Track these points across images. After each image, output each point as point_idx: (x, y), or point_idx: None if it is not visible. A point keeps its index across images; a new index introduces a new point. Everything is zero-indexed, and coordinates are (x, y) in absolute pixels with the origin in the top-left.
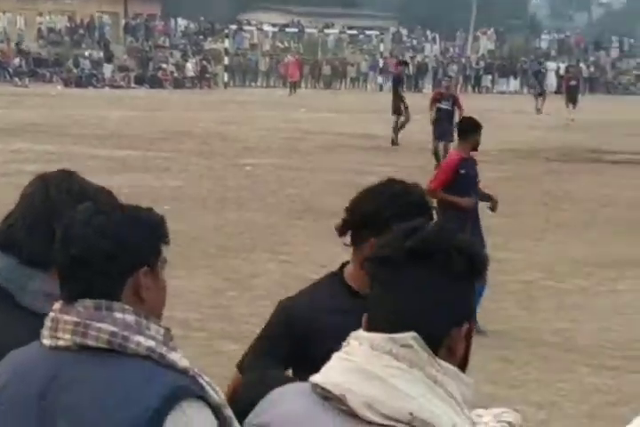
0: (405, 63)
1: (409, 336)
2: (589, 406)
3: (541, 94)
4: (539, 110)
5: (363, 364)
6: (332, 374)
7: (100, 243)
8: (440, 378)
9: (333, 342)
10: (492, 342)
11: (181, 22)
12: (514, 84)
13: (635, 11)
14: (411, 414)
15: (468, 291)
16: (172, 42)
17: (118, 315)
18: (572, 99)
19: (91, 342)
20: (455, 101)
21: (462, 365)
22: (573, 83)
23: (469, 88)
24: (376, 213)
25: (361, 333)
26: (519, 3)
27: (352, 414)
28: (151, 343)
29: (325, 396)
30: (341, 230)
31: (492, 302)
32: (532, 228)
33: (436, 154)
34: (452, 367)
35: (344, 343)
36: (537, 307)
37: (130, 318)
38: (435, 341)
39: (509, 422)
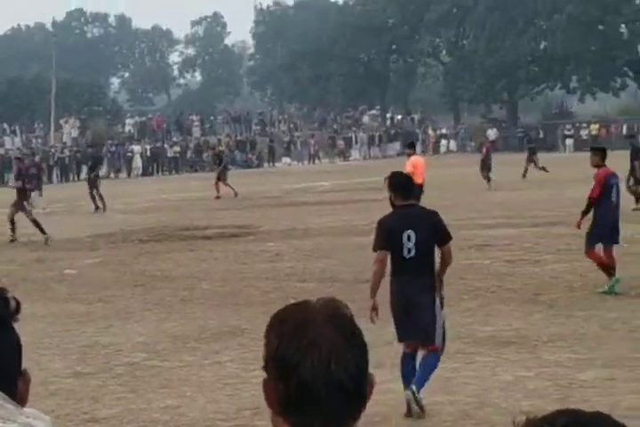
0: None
1: None
2: None
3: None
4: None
5: None
6: None
7: None
8: (33, 423)
9: None
10: None
11: None
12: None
13: (210, 89)
14: None
15: (16, 335)
16: None
17: None
18: None
19: None
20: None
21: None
22: None
23: (54, 178)
24: None
25: None
26: (98, 90)
27: None
28: None
29: None
30: None
31: (100, 387)
32: (131, 309)
33: None
34: (33, 410)
35: None
36: (144, 387)
37: None
38: (9, 391)
39: None
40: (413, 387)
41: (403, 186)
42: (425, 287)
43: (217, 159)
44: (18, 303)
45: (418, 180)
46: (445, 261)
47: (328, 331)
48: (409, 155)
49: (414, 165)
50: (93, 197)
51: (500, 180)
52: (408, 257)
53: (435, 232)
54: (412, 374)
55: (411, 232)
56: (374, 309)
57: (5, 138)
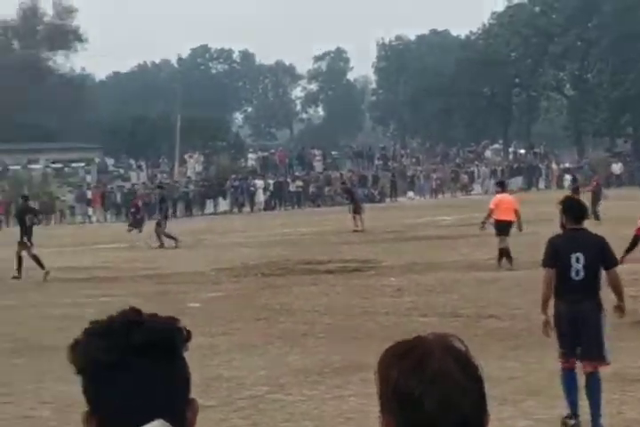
0: None
1: (157, 424)
2: None
3: None
4: None
5: None
6: None
7: None
8: None
9: None
10: None
11: None
12: (223, 203)
13: (333, 124)
14: None
15: (186, 364)
16: None
17: None
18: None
19: None
20: None
21: None
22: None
23: (178, 212)
24: None
25: None
26: (222, 125)
27: None
28: None
29: None
30: None
31: (223, 420)
32: (254, 342)
33: None
34: None
35: None
36: (266, 421)
37: None
38: (180, 421)
39: None
40: None
41: (574, 210)
42: (593, 306)
43: (348, 194)
44: (188, 332)
45: (501, 216)
46: (614, 285)
47: (448, 364)
48: (497, 192)
49: (495, 202)
50: (168, 235)
51: (623, 214)
52: (576, 278)
53: (602, 256)
54: (576, 390)
55: (580, 255)
56: (547, 323)
57: (131, 173)
